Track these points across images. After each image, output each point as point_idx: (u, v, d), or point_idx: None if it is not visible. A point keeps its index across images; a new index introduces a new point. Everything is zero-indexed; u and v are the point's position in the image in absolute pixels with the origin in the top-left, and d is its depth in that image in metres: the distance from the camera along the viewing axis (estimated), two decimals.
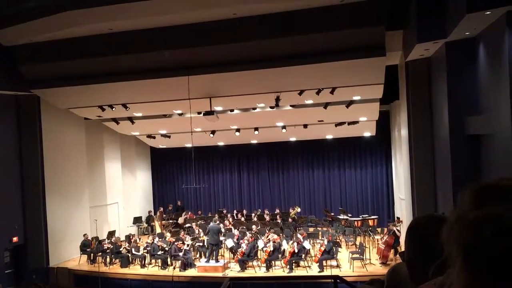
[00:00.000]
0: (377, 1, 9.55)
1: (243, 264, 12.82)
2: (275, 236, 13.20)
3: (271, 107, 13.88)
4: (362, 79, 11.56)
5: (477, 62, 8.47)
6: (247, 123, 15.88)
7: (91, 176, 16.59)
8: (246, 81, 11.81)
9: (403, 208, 13.36)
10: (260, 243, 13.09)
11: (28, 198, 14.25)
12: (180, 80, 11.65)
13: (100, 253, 14.15)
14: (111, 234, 15.51)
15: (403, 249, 1.57)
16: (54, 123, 14.89)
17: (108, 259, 14.06)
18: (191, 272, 13.00)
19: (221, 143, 19.19)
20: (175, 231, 15.83)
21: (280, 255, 12.85)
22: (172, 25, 10.83)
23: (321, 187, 19.17)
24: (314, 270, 12.44)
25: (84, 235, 14.74)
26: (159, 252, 13.61)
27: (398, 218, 14.70)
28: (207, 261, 13.25)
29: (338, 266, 12.66)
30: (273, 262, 12.84)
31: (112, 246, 14.17)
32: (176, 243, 13.49)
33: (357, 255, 12.74)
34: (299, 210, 17.20)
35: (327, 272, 11.94)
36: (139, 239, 15.60)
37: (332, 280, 6.17)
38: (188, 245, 13.52)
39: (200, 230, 15.31)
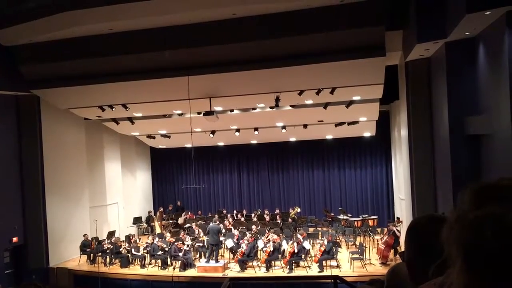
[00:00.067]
0: (377, 1, 9.56)
1: (243, 264, 12.82)
2: (275, 236, 13.20)
3: (271, 107, 13.88)
4: (362, 79, 11.56)
5: (477, 62, 8.47)
6: (247, 123, 15.88)
7: (91, 176, 16.59)
8: (246, 81, 11.81)
9: (403, 208, 13.36)
10: (260, 243, 13.09)
11: (28, 198, 14.25)
12: (180, 80, 11.65)
13: (100, 253, 14.15)
14: (111, 234, 15.51)
15: (403, 249, 1.57)
16: (54, 123, 14.89)
17: (108, 259, 14.05)
18: (191, 272, 13.00)
19: (221, 143, 19.19)
20: (175, 231, 15.83)
21: (280, 255, 12.85)
22: (172, 25, 10.83)
23: (321, 187, 19.17)
24: (314, 270, 12.44)
25: (84, 235, 14.74)
26: (159, 252, 13.61)
27: (398, 218, 14.70)
28: (207, 261, 13.24)
29: (338, 266, 12.65)
30: (273, 262, 12.84)
31: (112, 246, 14.17)
32: (176, 243, 13.48)
33: (357, 255, 12.74)
34: (299, 210, 17.19)
35: (327, 272, 11.94)
36: (139, 239, 15.60)
37: (332, 280, 6.16)
38: (188, 245, 13.52)
39: (200, 230, 15.32)
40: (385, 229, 14.24)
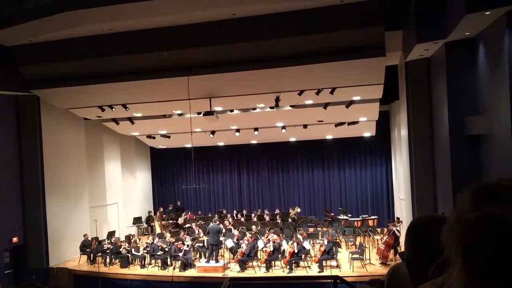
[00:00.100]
0: (377, 1, 9.56)
1: (243, 265, 12.81)
2: (275, 236, 13.20)
3: (271, 107, 13.88)
4: (362, 79, 11.57)
5: (477, 62, 8.47)
6: (247, 123, 15.88)
7: (91, 176, 16.59)
8: (246, 81, 11.81)
9: (403, 208, 13.36)
10: (260, 244, 13.09)
11: (28, 198, 14.25)
12: (180, 80, 11.66)
13: (100, 254, 14.15)
14: (111, 234, 15.51)
15: (403, 249, 1.57)
16: (54, 123, 14.89)
17: (108, 260, 14.05)
18: (191, 273, 13.00)
19: (221, 143, 19.19)
20: (175, 231, 15.84)
21: (280, 256, 12.85)
22: (172, 25, 10.83)
23: (321, 187, 19.16)
24: (314, 271, 12.44)
25: (84, 235, 14.74)
26: (159, 253, 13.61)
27: (398, 218, 14.70)
28: (207, 262, 13.24)
29: (338, 266, 12.65)
30: (273, 262, 12.84)
31: (112, 247, 14.17)
32: (176, 244, 13.48)
33: (357, 255, 12.74)
34: (299, 210, 17.19)
35: (327, 272, 11.94)
36: (139, 239, 15.59)
37: (332, 281, 6.16)
38: (188, 245, 13.51)
39: (200, 231, 15.32)
40: (385, 229, 14.24)
